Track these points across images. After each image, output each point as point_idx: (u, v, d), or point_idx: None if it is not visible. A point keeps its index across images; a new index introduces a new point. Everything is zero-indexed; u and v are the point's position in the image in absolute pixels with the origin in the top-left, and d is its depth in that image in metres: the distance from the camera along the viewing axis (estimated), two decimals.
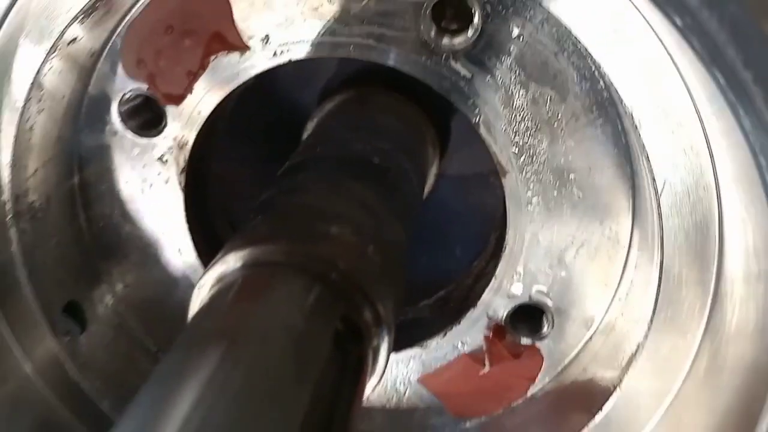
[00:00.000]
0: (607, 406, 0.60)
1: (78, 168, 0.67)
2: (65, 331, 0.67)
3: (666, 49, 0.46)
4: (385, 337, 0.48)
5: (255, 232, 0.50)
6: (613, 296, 0.63)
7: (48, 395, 0.64)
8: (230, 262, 0.48)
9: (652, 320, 0.56)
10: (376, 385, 0.50)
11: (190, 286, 0.55)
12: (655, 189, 0.52)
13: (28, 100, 0.61)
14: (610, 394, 0.61)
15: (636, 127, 0.52)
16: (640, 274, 0.60)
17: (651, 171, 0.52)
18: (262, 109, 0.80)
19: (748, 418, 0.45)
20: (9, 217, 0.62)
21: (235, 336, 0.39)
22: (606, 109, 0.58)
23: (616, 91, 0.54)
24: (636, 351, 0.59)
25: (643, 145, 0.52)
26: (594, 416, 0.60)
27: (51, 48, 0.59)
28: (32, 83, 0.60)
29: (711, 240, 0.50)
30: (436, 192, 0.85)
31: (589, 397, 0.62)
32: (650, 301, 0.56)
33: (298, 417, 0.36)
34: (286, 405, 0.36)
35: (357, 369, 0.44)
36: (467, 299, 0.69)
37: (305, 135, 0.76)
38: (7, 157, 0.60)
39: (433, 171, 0.81)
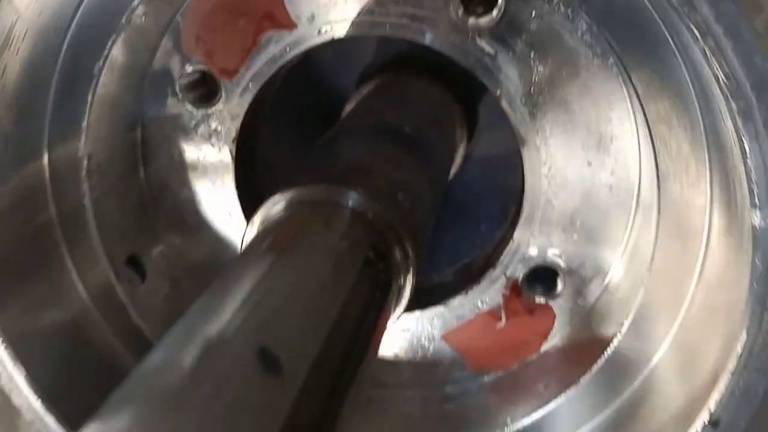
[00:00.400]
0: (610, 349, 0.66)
1: (141, 134, 0.76)
2: (127, 279, 0.75)
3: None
4: (411, 269, 0.55)
5: (298, 179, 0.58)
6: (620, 257, 0.69)
7: (109, 333, 0.72)
8: (277, 202, 0.55)
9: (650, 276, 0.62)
10: (400, 315, 0.57)
11: (239, 248, 0.62)
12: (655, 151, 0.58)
13: (101, 71, 0.69)
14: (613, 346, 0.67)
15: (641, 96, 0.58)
16: (642, 235, 0.66)
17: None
18: (307, 90, 0.87)
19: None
20: (83, 173, 0.70)
21: (284, 251, 0.47)
22: (618, 83, 0.64)
23: (624, 67, 0.61)
24: (639, 307, 0.66)
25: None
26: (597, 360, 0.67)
27: (121, 25, 0.68)
28: (105, 57, 0.69)
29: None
30: (464, 173, 0.92)
31: (596, 349, 0.68)
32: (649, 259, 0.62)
33: (332, 315, 0.43)
34: (323, 304, 0.43)
35: (384, 291, 0.51)
36: (488, 263, 0.75)
37: (343, 114, 0.84)
38: (85, 121, 0.69)
39: (460, 152, 0.88)
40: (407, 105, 0.80)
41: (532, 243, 0.72)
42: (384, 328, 0.51)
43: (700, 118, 0.53)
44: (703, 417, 0.52)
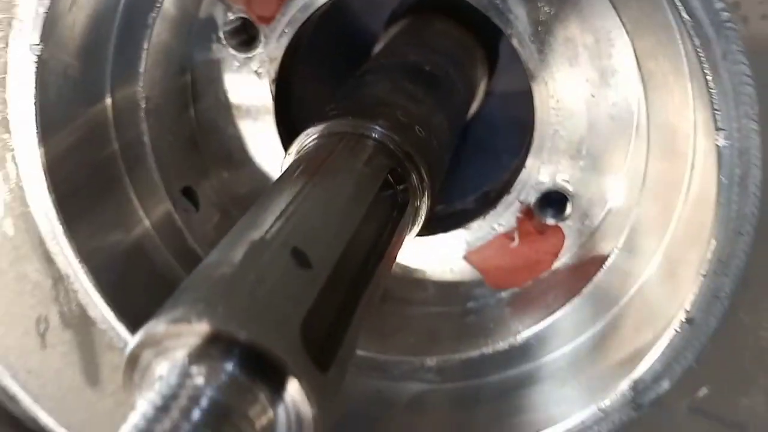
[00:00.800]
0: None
1: (191, 78, 0.84)
2: (183, 209, 0.85)
3: None
4: (426, 193, 0.63)
5: (327, 113, 0.66)
6: (621, 180, 0.76)
7: (168, 255, 0.82)
8: (311, 134, 0.64)
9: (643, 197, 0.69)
10: (416, 234, 0.65)
11: None
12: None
13: (155, 21, 0.78)
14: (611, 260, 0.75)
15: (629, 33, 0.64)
16: (638, 159, 0.73)
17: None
18: (339, 33, 0.95)
19: None
20: (142, 113, 0.80)
21: (314, 174, 0.55)
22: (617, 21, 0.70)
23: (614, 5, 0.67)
24: (633, 225, 0.73)
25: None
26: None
27: None
28: (158, 8, 0.77)
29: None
30: (486, 108, 0.99)
31: (596, 264, 0.76)
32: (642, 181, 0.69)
33: (354, 225, 0.51)
34: (346, 216, 0.52)
35: (401, 209, 0.59)
36: (503, 190, 0.83)
37: (373, 54, 0.91)
38: (142, 67, 0.78)
39: (482, 88, 0.95)
40: (429, 45, 0.86)
41: (542, 170, 0.79)
42: (400, 241, 0.59)
43: (683, 52, 0.59)
44: (681, 316, 0.59)
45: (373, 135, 0.61)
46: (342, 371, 0.44)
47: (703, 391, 0.62)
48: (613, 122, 0.75)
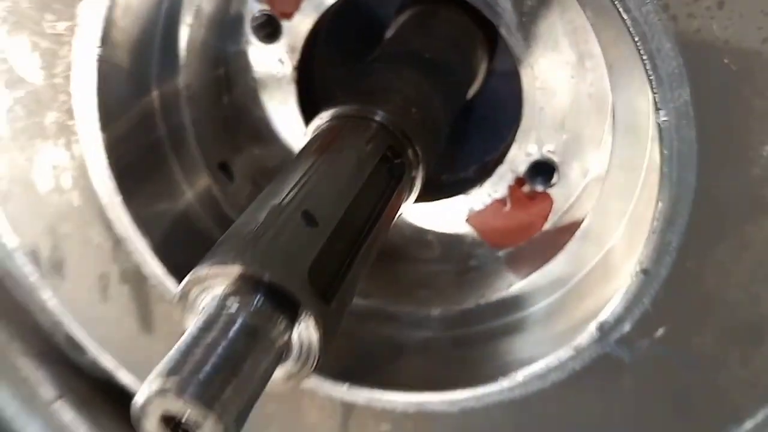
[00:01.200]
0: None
1: (224, 67, 0.97)
2: (220, 180, 0.98)
3: None
4: (420, 165, 0.74)
5: (338, 99, 0.77)
6: (599, 152, 0.86)
7: (208, 221, 0.95)
8: (323, 117, 0.76)
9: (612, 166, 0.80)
10: (413, 202, 0.77)
11: None
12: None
13: (192, 22, 0.90)
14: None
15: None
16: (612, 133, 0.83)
17: None
18: (353, 23, 1.06)
19: None
20: (183, 101, 0.92)
21: (324, 150, 0.67)
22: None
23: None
24: (608, 190, 0.83)
25: None
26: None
27: None
28: (196, 8, 0.89)
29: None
30: (488, 87, 1.09)
31: (576, 225, 0.87)
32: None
33: (355, 191, 0.63)
34: (349, 184, 0.64)
35: (398, 179, 0.71)
36: (498, 160, 0.94)
37: (384, 40, 1.02)
38: (182, 59, 0.90)
39: (482, 70, 1.06)
40: (431, 32, 0.97)
41: (531, 143, 0.90)
42: (398, 205, 0.71)
43: None
44: (637, 268, 0.70)
45: (375, 117, 0.73)
46: (342, 306, 0.56)
47: (659, 332, 0.73)
48: (591, 100, 0.85)
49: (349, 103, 0.75)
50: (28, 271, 0.95)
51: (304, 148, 0.70)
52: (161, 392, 0.45)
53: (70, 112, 0.81)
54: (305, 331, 0.53)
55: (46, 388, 1.09)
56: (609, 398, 0.77)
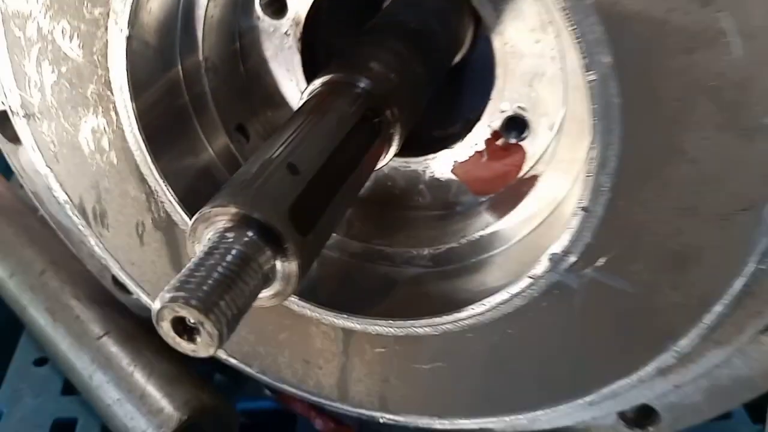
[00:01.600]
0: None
1: (239, 41, 1.10)
2: (237, 140, 1.12)
3: None
4: (398, 125, 0.88)
5: (328, 68, 0.91)
6: (562, 108, 0.98)
7: (226, 173, 1.08)
8: (316, 83, 0.89)
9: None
10: (390, 159, 0.90)
11: None
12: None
13: (208, 2, 1.03)
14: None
15: None
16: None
17: None
18: None
19: None
20: (203, 72, 1.07)
21: (313, 110, 0.81)
22: None
23: None
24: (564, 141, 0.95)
25: None
26: None
27: None
28: None
29: None
30: (476, 51, 1.21)
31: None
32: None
33: (334, 146, 0.77)
34: (331, 140, 0.78)
35: (377, 136, 0.84)
36: (478, 117, 1.06)
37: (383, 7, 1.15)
38: (200, 35, 1.04)
39: (469, 36, 1.17)
40: (420, 3, 1.09)
41: (504, 100, 1.02)
42: (376, 158, 0.85)
43: None
44: (579, 206, 0.82)
45: (357, 83, 0.86)
46: (319, 239, 0.70)
47: (601, 261, 0.85)
48: (553, 62, 0.97)
49: (336, 71, 0.89)
50: (77, 222, 1.11)
51: (295, 112, 0.84)
52: (173, 300, 0.60)
53: (108, 84, 0.95)
54: (286, 259, 0.67)
55: (94, 326, 1.25)
56: (563, 319, 0.90)
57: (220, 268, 0.63)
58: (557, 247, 0.85)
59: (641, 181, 0.78)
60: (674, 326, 0.85)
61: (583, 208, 0.82)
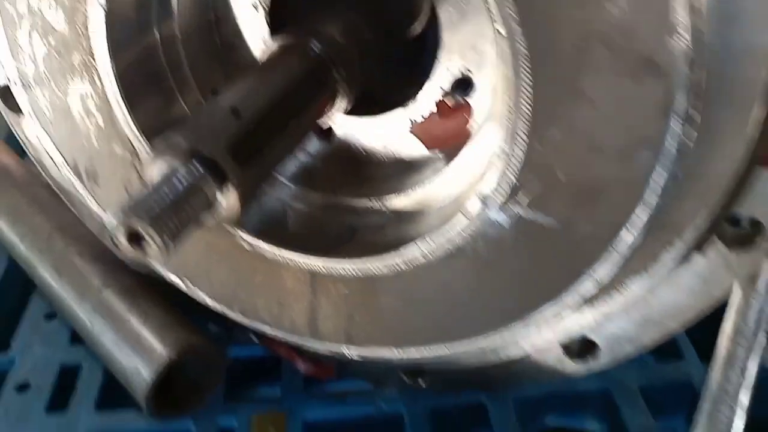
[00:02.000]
0: None
1: (213, 12, 1.21)
2: None
3: None
4: (343, 83, 0.98)
5: (286, 32, 1.02)
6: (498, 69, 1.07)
7: None
8: (273, 46, 1.00)
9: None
10: (337, 113, 1.00)
11: None
12: None
13: None
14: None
15: None
16: None
17: None
18: None
19: None
20: (179, 40, 1.18)
21: (266, 67, 0.92)
22: None
23: None
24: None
25: None
26: None
27: None
28: None
29: None
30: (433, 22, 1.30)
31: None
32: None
33: (278, 95, 0.88)
34: (276, 89, 0.88)
35: (322, 91, 0.95)
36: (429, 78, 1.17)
37: None
38: (175, 8, 1.15)
39: (426, 7, 1.27)
40: None
41: (451, 62, 1.12)
42: (319, 111, 0.95)
43: None
44: (501, 149, 0.92)
45: (309, 45, 0.97)
46: (259, 174, 0.82)
47: (525, 200, 0.95)
48: (494, 25, 1.06)
49: (291, 34, 1.00)
50: (73, 182, 1.22)
51: (249, 68, 0.95)
52: (127, 215, 0.71)
53: (91, 53, 1.07)
54: (227, 189, 0.79)
55: (95, 280, 1.37)
56: (497, 254, 1.00)
57: (167, 191, 0.74)
58: (486, 188, 0.95)
59: (551, 123, 0.88)
60: (590, 255, 0.94)
61: (503, 151, 0.92)
